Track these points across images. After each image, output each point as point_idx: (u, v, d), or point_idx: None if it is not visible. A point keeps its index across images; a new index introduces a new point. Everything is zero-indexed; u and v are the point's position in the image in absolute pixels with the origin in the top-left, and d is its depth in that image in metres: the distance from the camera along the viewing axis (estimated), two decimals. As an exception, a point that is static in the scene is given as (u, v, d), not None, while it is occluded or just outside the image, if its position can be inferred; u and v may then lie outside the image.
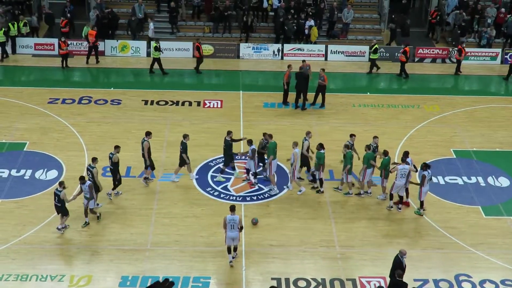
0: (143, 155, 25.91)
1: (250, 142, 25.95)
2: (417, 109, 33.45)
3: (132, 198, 25.49)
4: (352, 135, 26.46)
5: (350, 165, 25.55)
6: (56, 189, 23.20)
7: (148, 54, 39.02)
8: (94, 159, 24.39)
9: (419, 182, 24.82)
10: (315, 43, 40.10)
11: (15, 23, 38.41)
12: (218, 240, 23.20)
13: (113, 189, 25.43)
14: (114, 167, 24.95)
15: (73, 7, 41.31)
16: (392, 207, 25.35)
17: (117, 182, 25.29)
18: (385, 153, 25.44)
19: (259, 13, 41.75)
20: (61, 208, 23.12)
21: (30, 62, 38.11)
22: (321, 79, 32.88)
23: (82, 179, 23.10)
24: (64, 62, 37.22)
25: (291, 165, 25.78)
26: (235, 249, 22.31)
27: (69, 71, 37.10)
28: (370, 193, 26.13)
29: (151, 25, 39.66)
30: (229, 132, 26.55)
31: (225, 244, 22.10)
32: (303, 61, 34.56)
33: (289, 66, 33.41)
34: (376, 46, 37.73)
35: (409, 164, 24.93)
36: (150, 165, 26.01)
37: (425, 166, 24.81)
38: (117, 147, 25.12)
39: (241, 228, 22.17)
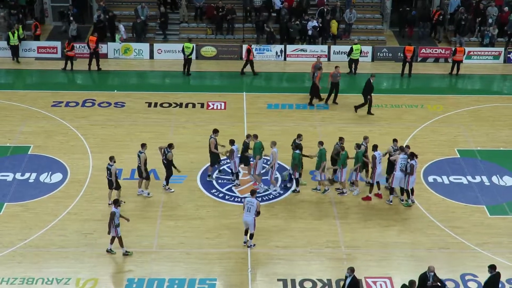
0: (209, 151, 26.44)
1: (232, 142, 26.00)
2: (421, 109, 33.44)
3: (137, 200, 25.49)
4: (394, 140, 26.44)
5: (325, 162, 25.65)
6: (108, 163, 24.31)
7: (152, 57, 39.08)
8: (143, 145, 25.25)
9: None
10: (337, 36, 40.53)
11: (15, 31, 37.74)
12: (224, 241, 23.26)
13: (167, 183, 26.03)
14: (168, 163, 25.52)
15: (76, 11, 41.33)
16: (391, 201, 25.65)
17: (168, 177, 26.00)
18: (358, 146, 25.63)
19: (263, 14, 41.77)
20: (111, 183, 24.36)
21: (33, 65, 38.12)
22: (339, 76, 33.26)
23: (116, 202, 22.35)
24: (67, 64, 37.25)
25: (269, 164, 25.89)
26: (251, 236, 22.86)
27: (72, 73, 37.12)
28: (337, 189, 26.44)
29: (122, 27, 39.67)
30: (299, 136, 26.47)
31: (244, 227, 23.03)
32: (336, 67, 34.11)
33: (320, 68, 33.53)
34: (352, 46, 37.64)
35: (416, 160, 25.13)
36: (213, 163, 26.54)
37: (412, 155, 25.01)
38: (171, 145, 25.51)
39: (258, 213, 22.64)
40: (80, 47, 38.77)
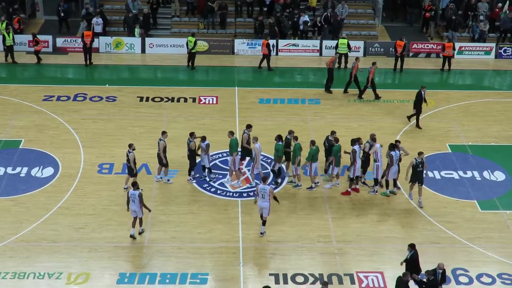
0: (241, 145, 26.52)
1: (203, 139, 25.97)
2: (412, 104, 33.39)
3: (128, 195, 25.48)
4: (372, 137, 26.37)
5: (300, 157, 25.68)
6: (128, 150, 24.89)
7: (143, 51, 38.98)
8: (164, 133, 25.88)
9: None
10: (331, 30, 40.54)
11: (10, 31, 37.21)
12: (216, 236, 23.29)
13: (189, 174, 26.47)
14: (191, 153, 25.81)
15: (67, 6, 41.06)
16: (376, 191, 26.01)
17: (190, 167, 26.36)
18: (336, 140, 25.73)
19: (253, 8, 41.76)
20: (131, 169, 25.06)
21: (24, 59, 37.86)
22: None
23: (134, 185, 22.75)
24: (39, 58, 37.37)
25: (252, 160, 25.93)
26: (264, 223, 23.38)
27: (62, 68, 37.12)
28: (318, 182, 26.36)
29: (100, 21, 39.44)
30: (333, 132, 26.33)
31: (258, 213, 23.50)
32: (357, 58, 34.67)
33: (374, 63, 33.63)
34: (339, 40, 37.72)
35: (397, 151, 25.48)
36: (243, 157, 26.71)
37: (393, 146, 25.36)
38: (192, 134, 25.83)
39: (275, 198, 23.44)
40: (71, 41, 38.73)
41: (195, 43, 36.88)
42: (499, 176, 27.60)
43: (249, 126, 26.64)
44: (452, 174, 27.63)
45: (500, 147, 29.83)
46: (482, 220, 24.83)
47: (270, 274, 21.62)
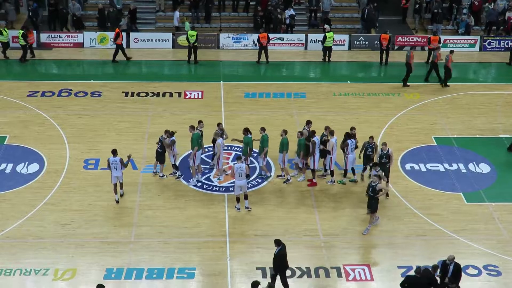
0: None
1: (171, 134, 25.88)
2: (398, 97, 33.58)
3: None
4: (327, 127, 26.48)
5: (267, 148, 25.99)
6: (162, 136, 25.56)
7: (128, 46, 38.82)
8: (200, 122, 26.39)
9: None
10: (314, 24, 40.51)
11: (6, 28, 37.11)
12: (202, 231, 23.27)
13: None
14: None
15: (36, 5, 40.40)
16: (343, 182, 26.24)
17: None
18: (301, 133, 25.90)
19: (239, 2, 41.71)
20: (161, 155, 25.68)
21: (8, 54, 37.58)
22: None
23: (114, 152, 24.08)
24: (32, 52, 37.21)
25: (216, 155, 26.11)
26: (246, 197, 24.35)
27: (37, 63, 36.95)
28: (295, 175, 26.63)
29: (177, 14, 39.81)
30: (370, 137, 26.04)
31: (234, 194, 24.23)
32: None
33: (451, 52, 34.89)
34: (325, 33, 37.76)
35: (353, 140, 25.81)
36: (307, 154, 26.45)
37: (348, 135, 25.75)
38: (219, 125, 26.35)
39: (248, 176, 24.45)
40: (56, 36, 38.57)
41: (196, 36, 36.79)
42: (484, 168, 27.74)
43: (309, 122, 26.66)
44: (437, 166, 27.73)
45: (485, 139, 29.94)
46: (467, 212, 24.95)
47: (257, 268, 21.62)
